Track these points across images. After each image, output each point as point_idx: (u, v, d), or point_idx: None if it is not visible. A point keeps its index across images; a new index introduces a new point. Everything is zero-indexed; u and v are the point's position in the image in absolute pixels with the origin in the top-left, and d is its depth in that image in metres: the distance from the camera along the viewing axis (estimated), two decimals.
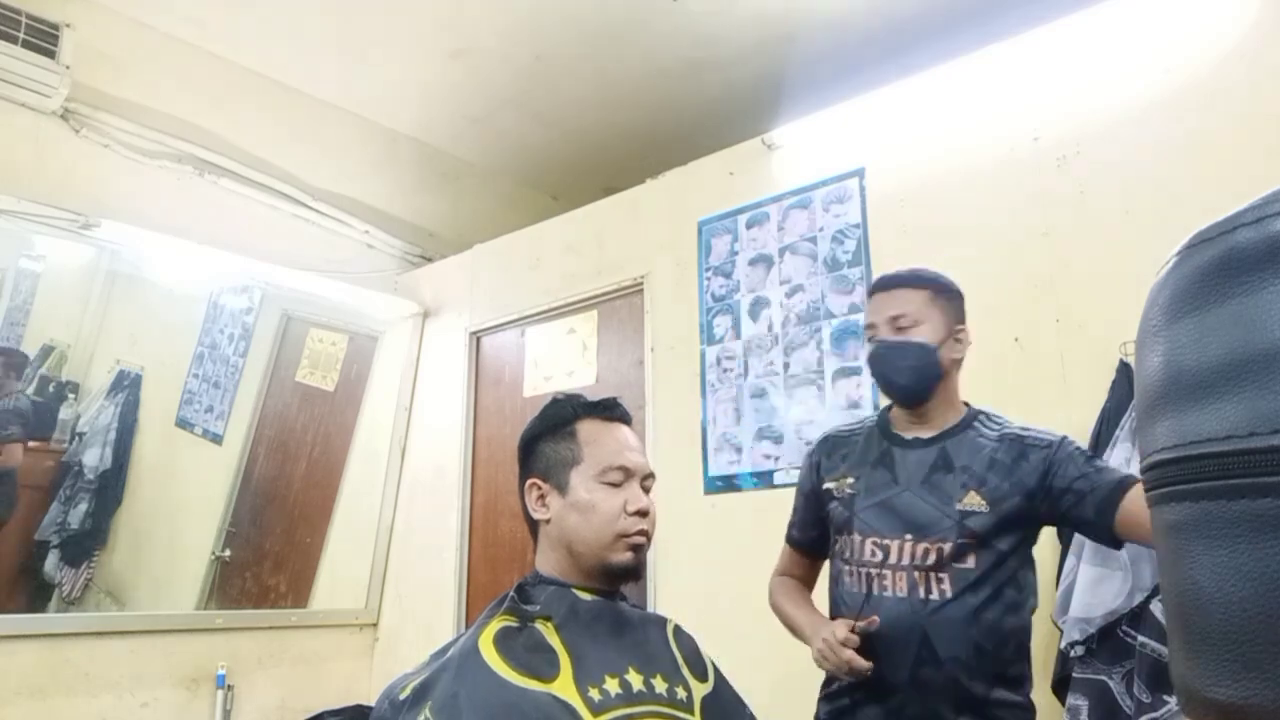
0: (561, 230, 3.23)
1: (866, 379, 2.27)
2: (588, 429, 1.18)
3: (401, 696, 1.02)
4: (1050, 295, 2.00)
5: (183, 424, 3.28)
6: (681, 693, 1.08)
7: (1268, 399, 0.34)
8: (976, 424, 1.41)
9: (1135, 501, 1.23)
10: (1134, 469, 1.64)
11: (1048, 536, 1.87)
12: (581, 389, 2.90)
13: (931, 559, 1.32)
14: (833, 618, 1.42)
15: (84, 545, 2.95)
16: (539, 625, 1.06)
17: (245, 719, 2.93)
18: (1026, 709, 1.35)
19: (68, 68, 2.72)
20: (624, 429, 1.21)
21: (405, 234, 3.82)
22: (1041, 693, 1.81)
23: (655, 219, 2.91)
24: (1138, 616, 1.61)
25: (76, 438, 2.99)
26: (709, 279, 2.70)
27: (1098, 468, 1.31)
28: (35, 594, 2.84)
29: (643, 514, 1.15)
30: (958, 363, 1.42)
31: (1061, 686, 1.73)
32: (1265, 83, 1.79)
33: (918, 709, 1.30)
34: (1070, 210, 2.01)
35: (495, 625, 1.06)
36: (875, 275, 2.30)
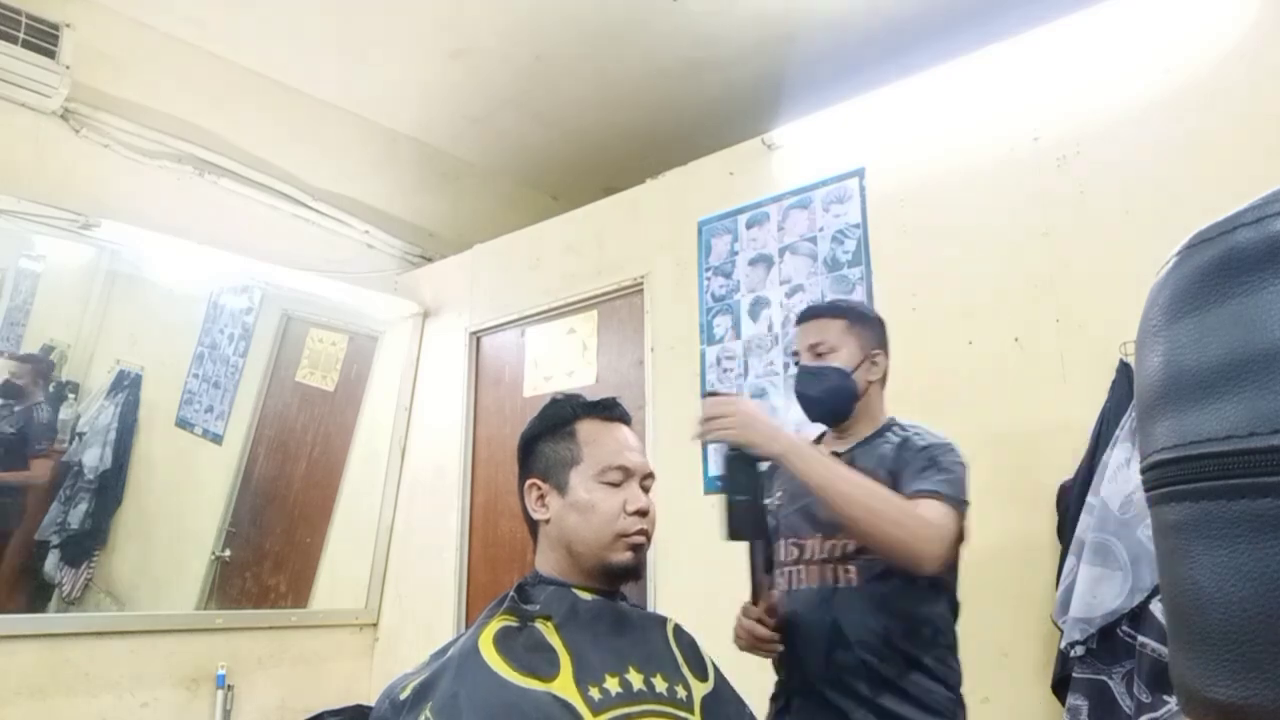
0: (561, 230, 3.23)
1: None
2: (587, 429, 1.19)
3: (402, 696, 1.02)
4: (1050, 295, 2.00)
5: (183, 424, 3.28)
6: (682, 692, 1.08)
7: (1268, 399, 0.34)
8: (887, 434, 1.51)
9: None
10: (1134, 469, 1.64)
11: (1048, 537, 1.88)
12: (581, 389, 2.90)
13: (839, 552, 1.43)
14: None
15: (84, 545, 2.95)
16: (539, 625, 1.06)
17: (245, 719, 2.93)
18: (953, 700, 1.38)
19: (68, 68, 2.72)
20: (623, 429, 1.21)
21: (405, 234, 3.82)
22: (1042, 693, 1.82)
23: (655, 219, 2.91)
24: (1138, 616, 1.61)
25: (76, 438, 2.99)
26: (709, 279, 2.70)
27: (923, 474, 1.37)
28: (35, 594, 2.84)
29: (642, 514, 1.15)
30: (875, 383, 1.54)
31: (1061, 686, 1.73)
32: (1265, 83, 1.79)
33: (837, 689, 1.38)
34: (1070, 210, 2.01)
35: (495, 625, 1.06)
36: (874, 276, 2.32)
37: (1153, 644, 1.56)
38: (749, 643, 1.43)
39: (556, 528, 1.15)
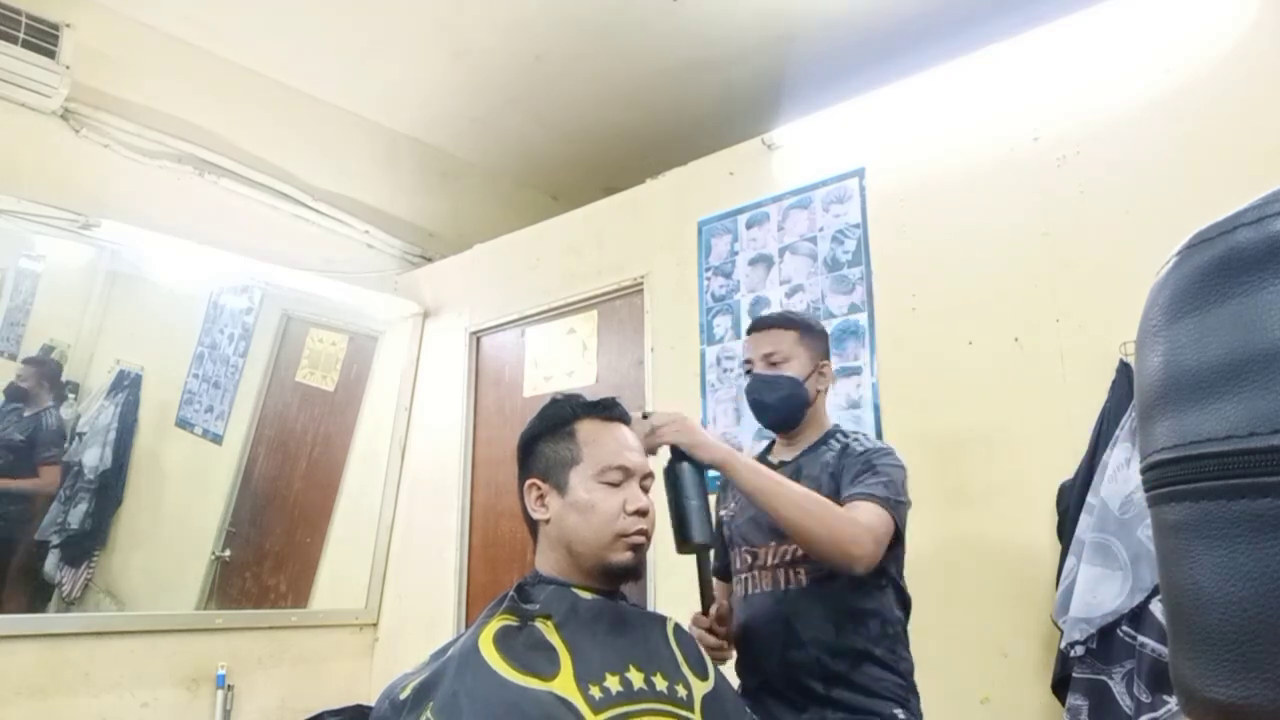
0: (561, 230, 3.23)
1: (867, 379, 2.27)
2: (587, 429, 1.19)
3: (402, 696, 1.02)
4: (1050, 295, 2.00)
5: (183, 424, 3.28)
6: (682, 691, 1.08)
7: (1268, 399, 0.34)
8: (830, 441, 1.57)
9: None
10: (1134, 469, 1.64)
11: (1048, 537, 1.88)
12: (581, 389, 2.90)
13: (789, 557, 1.48)
14: None
15: (84, 545, 2.95)
16: (539, 624, 1.06)
17: (245, 719, 2.93)
18: (904, 686, 1.44)
19: (68, 68, 2.72)
20: (623, 429, 1.21)
21: (405, 234, 3.82)
22: (1042, 693, 1.81)
23: (655, 219, 2.91)
24: (1138, 616, 1.61)
25: (76, 438, 2.99)
26: (709, 279, 2.70)
27: (859, 479, 1.44)
28: (35, 594, 2.84)
29: (642, 513, 1.15)
30: (822, 393, 1.62)
31: (1061, 686, 1.73)
32: (1265, 83, 1.79)
33: (793, 688, 1.43)
34: (1070, 210, 2.01)
35: (495, 624, 1.06)
36: (875, 276, 2.32)
37: (1153, 644, 1.56)
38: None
39: (556, 528, 1.15)
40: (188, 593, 3.19)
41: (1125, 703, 1.60)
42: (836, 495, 1.44)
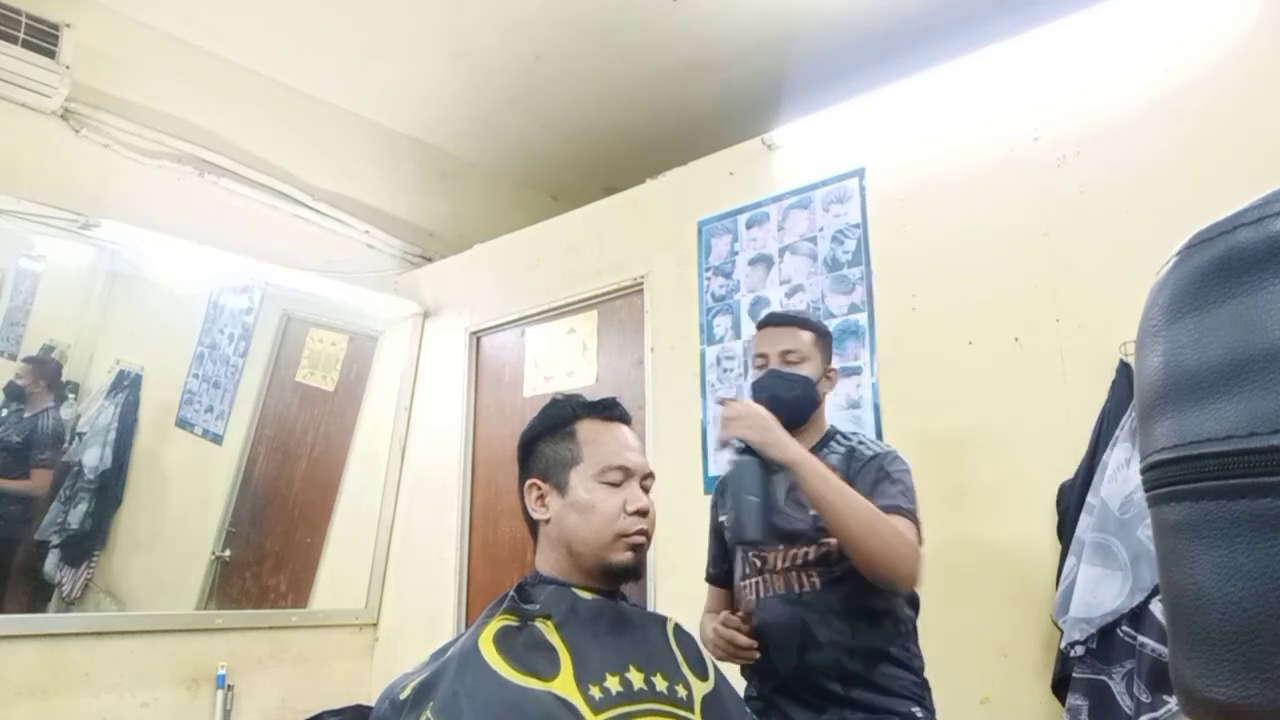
0: (561, 230, 3.23)
1: (867, 379, 2.27)
2: (587, 429, 1.19)
3: (402, 696, 1.02)
4: (1050, 295, 2.00)
5: (183, 424, 3.28)
6: (682, 691, 1.08)
7: (1268, 399, 0.34)
8: (831, 443, 1.58)
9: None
10: (1134, 469, 1.64)
11: (1048, 537, 1.88)
12: (581, 389, 2.90)
13: (800, 561, 1.49)
14: None
15: (84, 545, 2.95)
16: (539, 624, 1.06)
17: (245, 719, 2.93)
18: (919, 684, 1.47)
19: (68, 68, 2.72)
20: (623, 429, 1.21)
21: (405, 234, 3.82)
22: (1042, 693, 1.81)
23: (655, 219, 2.91)
24: (1138, 616, 1.61)
25: (76, 438, 2.99)
26: (709, 279, 2.70)
27: (879, 488, 1.46)
28: (35, 594, 2.84)
29: (642, 514, 1.15)
30: (825, 396, 1.63)
31: (1061, 686, 1.73)
32: (1266, 83, 1.79)
33: (810, 689, 1.44)
34: (1070, 210, 2.01)
35: (495, 624, 1.06)
36: (875, 276, 2.32)
37: (1153, 644, 1.56)
38: (727, 652, 1.47)
39: (556, 528, 1.15)
40: (188, 593, 3.19)
41: (1125, 703, 1.60)
42: (870, 486, 1.45)
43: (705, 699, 1.11)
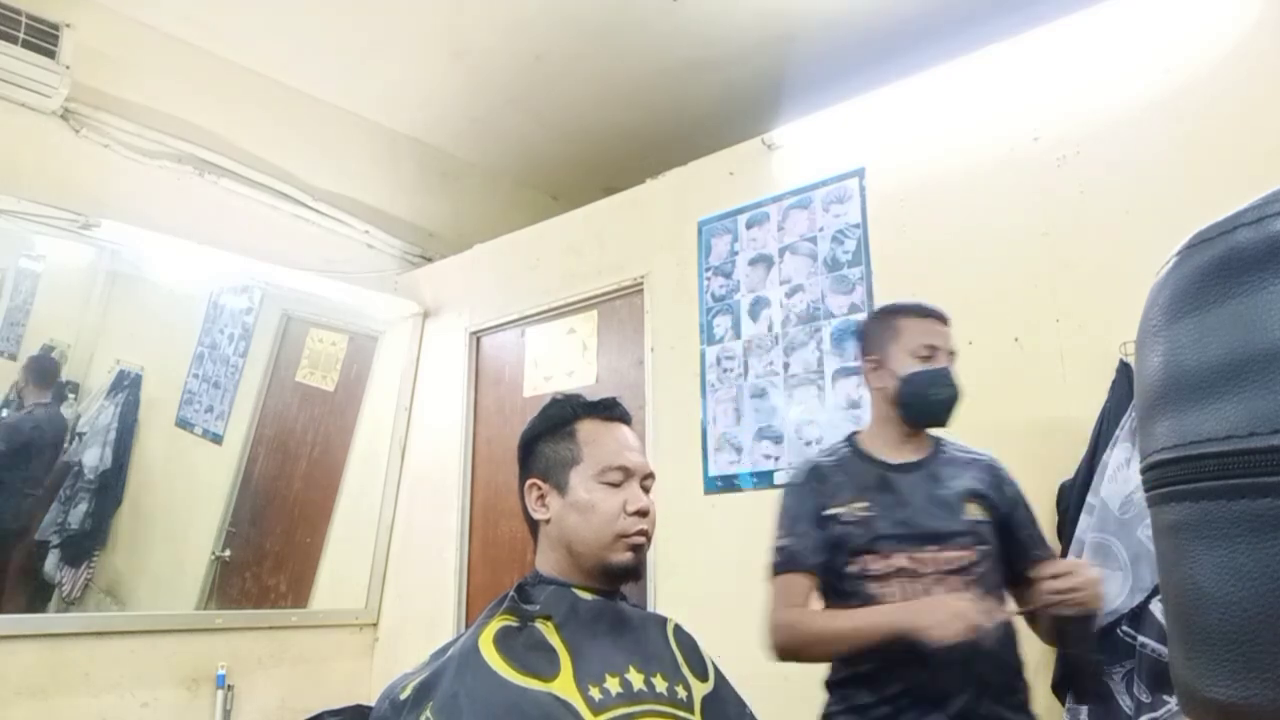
0: (561, 230, 3.22)
1: None
2: (587, 429, 1.19)
3: (402, 696, 1.02)
4: (1050, 295, 2.00)
5: (183, 424, 3.28)
6: (682, 692, 1.08)
7: (1268, 399, 0.34)
8: (944, 448, 1.57)
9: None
10: (1134, 469, 1.64)
11: (1048, 537, 1.87)
12: (581, 389, 2.90)
13: (956, 565, 1.43)
14: None
15: (84, 545, 2.94)
16: (539, 624, 1.06)
17: (245, 719, 2.93)
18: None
19: (68, 68, 2.72)
20: (624, 429, 1.21)
21: (405, 234, 3.82)
22: (1042, 693, 1.81)
23: (655, 219, 2.91)
24: (1138, 616, 1.61)
25: (76, 438, 2.99)
26: (709, 279, 2.70)
27: (1036, 533, 1.54)
28: (35, 594, 2.84)
29: (642, 514, 1.15)
30: None
31: (1061, 686, 1.73)
32: (1265, 83, 1.79)
33: (983, 711, 1.36)
34: (1070, 210, 2.01)
35: (495, 625, 1.06)
36: (875, 276, 2.32)
37: (1153, 644, 1.56)
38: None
39: (556, 528, 1.15)
40: (188, 593, 3.19)
41: (1125, 702, 1.60)
42: (1031, 526, 1.50)
43: (705, 699, 1.11)
